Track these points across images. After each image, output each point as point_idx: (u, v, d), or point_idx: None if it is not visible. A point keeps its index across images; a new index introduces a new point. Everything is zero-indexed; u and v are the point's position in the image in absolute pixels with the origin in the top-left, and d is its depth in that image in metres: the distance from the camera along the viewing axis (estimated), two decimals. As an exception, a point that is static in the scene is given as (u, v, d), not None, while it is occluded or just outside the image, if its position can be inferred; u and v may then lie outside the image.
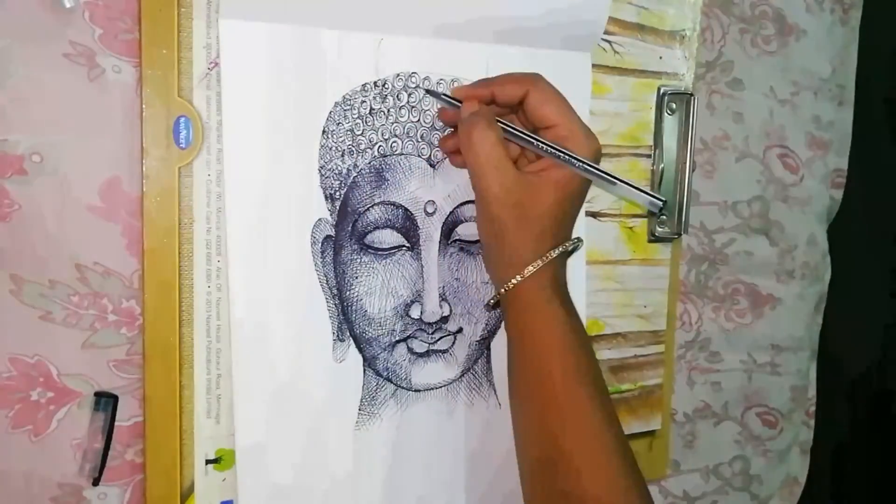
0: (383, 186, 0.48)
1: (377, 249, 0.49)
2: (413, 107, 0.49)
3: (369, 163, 0.48)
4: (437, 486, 0.52)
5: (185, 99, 0.44)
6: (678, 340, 0.64)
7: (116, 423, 0.45)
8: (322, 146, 0.47)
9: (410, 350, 0.50)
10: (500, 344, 0.54)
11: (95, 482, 0.45)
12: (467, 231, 0.51)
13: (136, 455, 0.46)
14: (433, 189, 0.50)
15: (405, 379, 0.51)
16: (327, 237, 0.48)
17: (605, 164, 0.57)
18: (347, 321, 0.48)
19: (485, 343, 0.53)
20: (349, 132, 0.47)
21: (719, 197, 0.65)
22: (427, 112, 0.49)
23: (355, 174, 0.48)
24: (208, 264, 0.45)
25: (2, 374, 0.42)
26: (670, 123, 0.59)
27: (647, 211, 0.47)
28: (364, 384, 0.49)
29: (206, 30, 0.44)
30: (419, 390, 0.51)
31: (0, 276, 0.42)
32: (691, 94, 0.59)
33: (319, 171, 0.47)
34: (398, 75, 0.48)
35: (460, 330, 0.52)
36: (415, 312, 0.50)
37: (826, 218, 0.72)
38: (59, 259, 0.43)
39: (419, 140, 0.49)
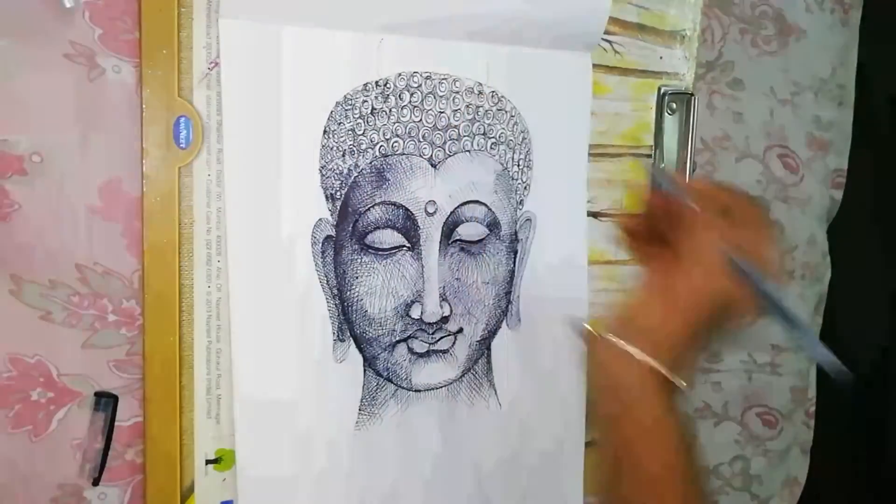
0: (384, 186, 0.48)
1: (378, 249, 0.49)
2: (415, 106, 0.49)
3: (370, 163, 0.48)
4: (437, 486, 0.52)
5: (185, 99, 0.44)
6: (678, 340, 0.64)
7: (116, 423, 0.45)
8: (323, 146, 0.47)
9: (411, 350, 0.50)
10: (500, 344, 0.54)
11: (95, 482, 0.45)
12: (468, 231, 0.51)
13: (136, 455, 0.46)
14: (434, 189, 0.50)
15: (405, 379, 0.51)
16: (328, 237, 0.47)
17: (605, 165, 0.57)
18: (348, 321, 0.48)
19: (485, 343, 0.53)
20: (350, 132, 0.47)
21: (719, 197, 0.65)
22: (429, 112, 0.49)
23: (356, 174, 0.48)
24: (208, 264, 0.45)
25: (2, 374, 0.42)
26: (670, 123, 0.59)
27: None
28: (364, 384, 0.49)
29: (206, 30, 0.44)
30: (419, 390, 0.51)
31: (0, 276, 0.42)
32: (691, 94, 0.59)
33: (320, 171, 0.47)
34: (400, 75, 0.48)
35: (461, 330, 0.52)
36: (415, 312, 0.50)
37: (826, 218, 0.72)
38: (59, 259, 0.43)
39: (420, 140, 0.49)
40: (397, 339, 0.50)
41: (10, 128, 0.41)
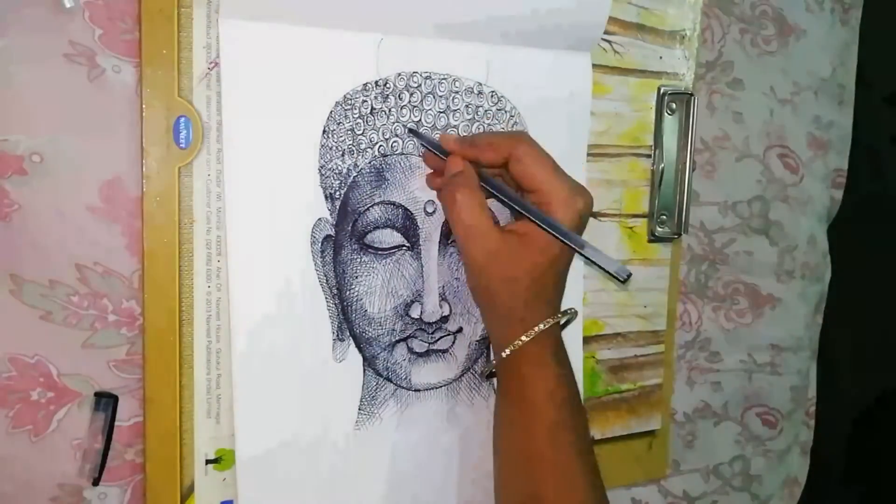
0: (383, 186, 0.48)
1: (377, 249, 0.49)
2: (414, 106, 0.49)
3: (370, 162, 0.48)
4: (437, 486, 0.52)
5: (185, 99, 0.44)
6: (678, 340, 0.64)
7: (116, 423, 0.45)
8: (322, 146, 0.47)
9: (410, 350, 0.50)
10: (500, 344, 0.54)
11: (95, 482, 0.45)
12: (467, 231, 0.51)
13: (136, 455, 0.46)
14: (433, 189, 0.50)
15: (405, 379, 0.51)
16: (327, 237, 0.48)
17: (604, 165, 0.57)
18: (347, 321, 0.48)
19: (485, 343, 0.53)
20: (350, 131, 0.47)
21: (719, 197, 0.65)
22: (428, 112, 0.49)
23: (355, 174, 0.48)
24: (208, 264, 0.45)
25: (2, 374, 0.42)
26: (670, 123, 0.59)
27: (610, 273, 0.45)
28: (364, 384, 0.49)
29: (206, 30, 0.44)
30: (419, 390, 0.51)
31: (0, 276, 0.42)
32: (691, 94, 0.59)
33: (319, 170, 0.47)
34: (399, 75, 0.48)
35: (460, 330, 0.52)
36: (415, 312, 0.50)
37: (826, 218, 0.72)
38: (59, 259, 0.43)
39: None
40: (397, 338, 0.50)
41: (10, 128, 0.41)
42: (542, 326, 0.44)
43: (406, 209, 0.49)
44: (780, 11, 0.66)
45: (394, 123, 0.48)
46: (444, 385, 0.52)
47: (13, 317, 0.42)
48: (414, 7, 0.47)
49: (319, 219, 0.47)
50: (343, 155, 0.47)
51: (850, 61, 0.72)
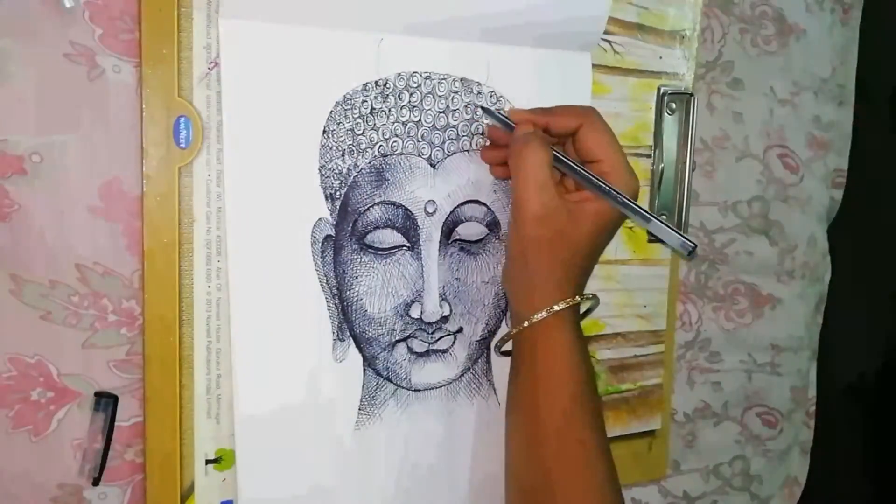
0: (383, 186, 0.48)
1: (377, 249, 0.49)
2: (414, 106, 0.49)
3: (370, 162, 0.48)
4: (437, 486, 0.52)
5: (185, 99, 0.44)
6: (678, 340, 0.64)
7: (116, 423, 0.45)
8: (322, 146, 0.47)
9: (410, 350, 0.50)
10: (500, 344, 0.54)
11: (95, 482, 0.45)
12: (467, 231, 0.51)
13: (136, 455, 0.46)
14: (433, 189, 0.50)
15: (405, 378, 0.51)
16: (327, 237, 0.48)
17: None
18: (347, 321, 0.48)
19: (485, 343, 0.53)
20: (350, 131, 0.47)
21: (719, 197, 0.65)
22: (428, 112, 0.49)
23: (356, 174, 0.48)
24: (208, 264, 0.45)
25: (2, 374, 0.42)
26: (670, 123, 0.59)
27: (674, 248, 0.46)
28: (364, 384, 0.49)
29: (206, 30, 0.44)
30: (419, 390, 0.51)
31: (0, 276, 0.42)
32: (691, 94, 0.59)
33: (320, 170, 0.47)
34: (399, 75, 0.48)
35: (460, 330, 0.52)
36: (415, 312, 0.50)
37: (826, 218, 0.72)
38: (59, 259, 0.43)
39: (420, 140, 0.49)
40: (397, 338, 0.50)
41: (10, 128, 0.41)
42: (578, 299, 0.45)
43: (406, 209, 0.49)
44: (780, 11, 0.66)
45: (394, 123, 0.48)
46: (444, 385, 0.52)
47: (13, 317, 0.42)
48: (414, 7, 0.47)
49: (320, 219, 0.47)
50: (343, 155, 0.47)
51: (850, 61, 0.72)
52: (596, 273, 0.57)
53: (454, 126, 0.50)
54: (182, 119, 0.44)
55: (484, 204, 0.52)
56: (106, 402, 0.44)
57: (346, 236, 0.48)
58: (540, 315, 0.44)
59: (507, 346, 0.48)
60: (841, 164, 0.72)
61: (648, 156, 0.59)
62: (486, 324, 0.53)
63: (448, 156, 0.50)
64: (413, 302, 0.50)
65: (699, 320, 0.65)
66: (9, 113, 0.41)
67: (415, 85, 0.49)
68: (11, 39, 0.41)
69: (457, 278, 0.51)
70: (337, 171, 0.47)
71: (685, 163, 0.59)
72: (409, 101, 0.49)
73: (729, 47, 0.64)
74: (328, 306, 0.48)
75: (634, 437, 0.61)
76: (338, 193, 0.47)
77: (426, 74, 0.49)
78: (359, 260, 0.48)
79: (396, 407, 0.50)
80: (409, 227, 0.49)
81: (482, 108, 0.50)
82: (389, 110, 0.48)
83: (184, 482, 0.46)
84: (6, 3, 0.41)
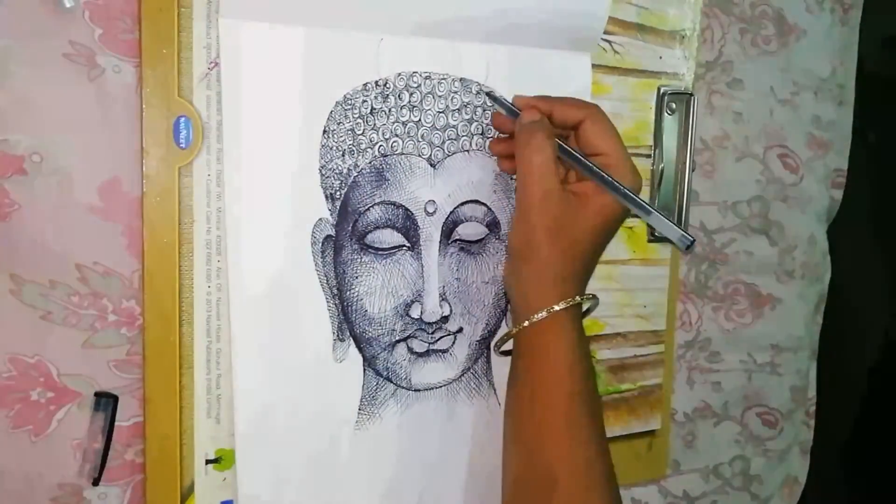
0: (384, 186, 0.48)
1: (377, 249, 0.49)
2: (414, 106, 0.49)
3: (370, 162, 0.48)
4: (437, 486, 0.52)
5: (185, 99, 0.44)
6: (678, 340, 0.64)
7: (116, 423, 0.45)
8: (322, 146, 0.47)
9: (410, 350, 0.50)
10: (500, 344, 0.54)
11: (95, 482, 0.45)
12: (468, 231, 0.51)
13: (136, 455, 0.46)
14: (433, 189, 0.50)
15: (405, 379, 0.51)
16: (328, 237, 0.48)
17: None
18: (347, 321, 0.48)
19: (485, 343, 0.53)
20: (350, 132, 0.47)
21: (719, 197, 0.65)
22: (428, 112, 0.49)
23: (356, 174, 0.48)
24: (208, 264, 0.45)
25: (2, 374, 0.42)
26: (670, 123, 0.59)
27: (672, 241, 0.47)
28: (364, 384, 0.49)
29: (206, 30, 0.44)
30: (419, 390, 0.51)
31: (0, 276, 0.42)
32: (691, 94, 0.59)
33: (320, 170, 0.47)
34: (399, 75, 0.48)
35: (460, 330, 0.52)
36: (415, 312, 0.50)
37: (826, 218, 0.72)
38: (59, 259, 0.43)
39: (420, 140, 0.49)
40: (397, 338, 0.50)
41: (10, 128, 0.41)
42: (578, 299, 0.44)
43: (406, 209, 0.49)
44: (780, 11, 0.66)
45: (394, 123, 0.48)
46: (444, 385, 0.52)
47: (13, 317, 0.42)
48: (414, 7, 0.47)
49: (320, 219, 0.47)
50: (343, 155, 0.47)
51: (850, 61, 0.72)
52: (596, 273, 0.57)
53: (454, 126, 0.50)
54: (182, 119, 0.44)
55: (484, 204, 0.52)
56: (106, 402, 0.44)
57: (347, 236, 0.48)
58: (540, 315, 0.44)
59: (507, 346, 0.48)
60: (841, 164, 0.72)
61: (648, 156, 0.59)
62: (486, 324, 0.53)
63: (448, 156, 0.50)
64: (413, 302, 0.50)
65: (699, 320, 0.65)
66: (9, 113, 0.41)
67: (415, 85, 0.49)
68: (11, 39, 0.41)
69: (457, 278, 0.51)
70: (337, 172, 0.47)
71: (685, 163, 0.59)
72: (409, 101, 0.49)
73: (729, 47, 0.64)
74: (328, 306, 0.48)
75: (634, 437, 0.61)
76: (338, 193, 0.47)
77: (426, 74, 0.49)
78: (359, 260, 0.48)
79: (396, 407, 0.50)
80: (409, 227, 0.49)
81: (487, 93, 0.50)
82: (389, 110, 0.48)
83: (184, 482, 0.46)
84: (6, 3, 0.41)
